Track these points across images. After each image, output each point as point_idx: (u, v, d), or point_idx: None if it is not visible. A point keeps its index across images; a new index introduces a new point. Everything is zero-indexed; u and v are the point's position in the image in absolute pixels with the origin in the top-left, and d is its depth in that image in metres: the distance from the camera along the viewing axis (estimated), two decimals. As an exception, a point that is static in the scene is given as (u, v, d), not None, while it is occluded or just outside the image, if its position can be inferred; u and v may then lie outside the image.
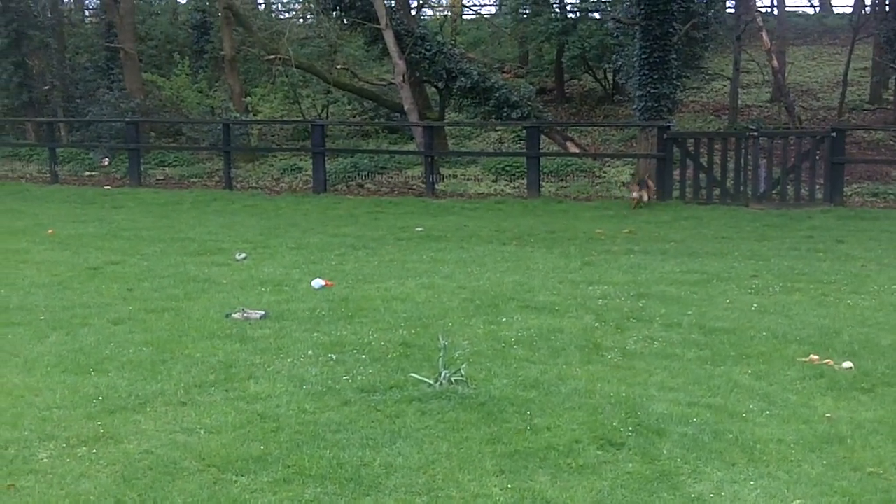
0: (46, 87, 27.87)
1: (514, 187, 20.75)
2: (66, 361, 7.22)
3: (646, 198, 17.58)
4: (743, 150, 17.85)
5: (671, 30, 19.28)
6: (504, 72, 29.16)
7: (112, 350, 7.51)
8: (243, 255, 12.22)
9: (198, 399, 6.31)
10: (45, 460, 5.31)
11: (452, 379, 6.42)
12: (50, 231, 14.57)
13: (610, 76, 28.26)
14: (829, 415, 5.98)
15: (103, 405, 6.19)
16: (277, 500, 4.78)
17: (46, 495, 4.86)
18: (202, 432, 5.69)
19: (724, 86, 26.84)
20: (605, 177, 21.26)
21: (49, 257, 12.21)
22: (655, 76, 19.21)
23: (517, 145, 23.73)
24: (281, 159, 24.05)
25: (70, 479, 5.06)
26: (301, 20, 29.36)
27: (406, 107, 21.87)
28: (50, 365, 7.15)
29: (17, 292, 9.88)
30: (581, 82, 30.06)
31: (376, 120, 26.45)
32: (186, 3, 33.67)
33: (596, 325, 8.29)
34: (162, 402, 6.24)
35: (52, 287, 10.22)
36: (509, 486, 4.91)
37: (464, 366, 6.68)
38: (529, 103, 23.06)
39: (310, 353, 7.41)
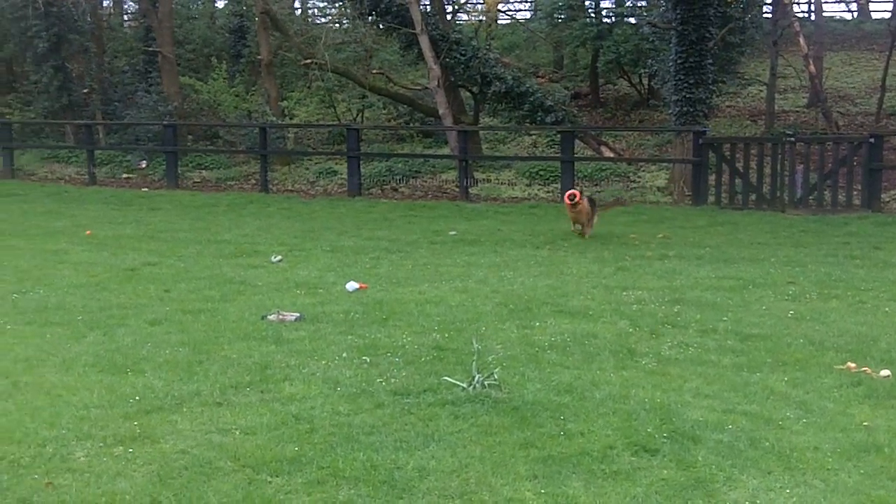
0: (85, 91, 28.20)
1: (548, 192, 20.70)
2: (104, 361, 7.31)
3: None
4: (779, 156, 17.69)
5: (707, 35, 19.16)
6: (539, 76, 29.13)
7: (149, 350, 7.59)
8: (279, 257, 12.29)
9: (233, 400, 6.36)
10: (82, 459, 5.37)
11: (486, 383, 6.42)
12: (88, 232, 14.75)
13: (645, 81, 28.13)
14: (866, 423, 5.90)
15: (140, 405, 6.25)
16: (311, 502, 4.80)
17: (83, 493, 4.92)
18: (237, 433, 5.73)
19: (761, 91, 26.62)
20: (639, 181, 21.17)
21: (87, 258, 12.36)
22: (691, 81, 19.10)
23: (551, 150, 23.68)
24: (316, 163, 24.19)
25: (106, 478, 5.11)
26: (337, 25, 29.47)
27: (441, 111, 21.92)
28: (87, 364, 7.24)
29: (56, 292, 10.02)
30: (616, 87, 29.94)
31: (411, 124, 26.51)
32: (224, 7, 33.95)
33: (630, 330, 8.26)
34: (198, 403, 6.29)
35: (89, 287, 10.34)
36: (542, 490, 4.90)
37: (497, 370, 6.67)
38: (564, 108, 23.03)
39: (344, 355, 7.45)
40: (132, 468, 5.23)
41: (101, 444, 5.57)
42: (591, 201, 14.46)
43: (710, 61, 19.49)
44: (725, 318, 8.67)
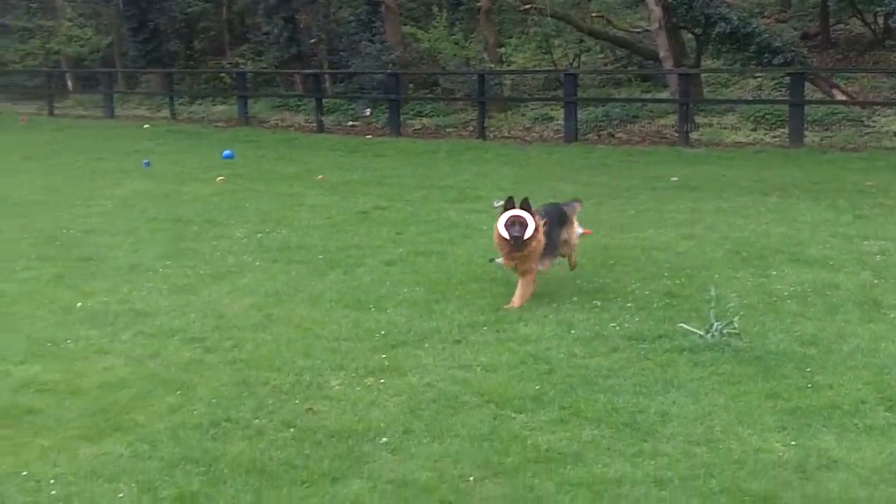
0: (313, 41, 29.35)
1: (774, 136, 19.83)
2: (347, 298, 7.71)
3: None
4: None
5: (959, -34, 17.66)
6: (765, 16, 27.80)
7: (388, 289, 7.94)
8: (501, 202, 12.44)
9: (471, 338, 6.57)
10: (337, 388, 5.72)
11: (724, 331, 6.32)
12: (320, 177, 15.44)
13: (881, 20, 26.27)
14: None
15: (385, 339, 6.57)
16: (556, 440, 4.91)
17: (341, 420, 5.24)
18: (479, 369, 5.92)
19: None
20: (874, 126, 19.90)
21: (321, 201, 12.98)
22: (938, 17, 17.72)
23: (778, 93, 22.62)
24: (532, 109, 24.18)
25: (361, 406, 5.43)
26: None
27: (661, 54, 21.37)
28: (332, 300, 7.65)
29: (296, 233, 10.62)
30: (848, 26, 28.12)
31: (629, 68, 26.01)
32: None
33: (875, 281, 7.87)
34: (438, 339, 6.55)
35: (326, 229, 10.88)
36: (793, 442, 4.79)
37: (736, 318, 6.55)
38: (793, 49, 21.88)
39: (574, 299, 7.51)
40: (384, 398, 5.53)
41: (353, 375, 5.91)
42: (552, 216, 8.24)
43: (961, -5, 17.98)
44: (982, 272, 8.11)
